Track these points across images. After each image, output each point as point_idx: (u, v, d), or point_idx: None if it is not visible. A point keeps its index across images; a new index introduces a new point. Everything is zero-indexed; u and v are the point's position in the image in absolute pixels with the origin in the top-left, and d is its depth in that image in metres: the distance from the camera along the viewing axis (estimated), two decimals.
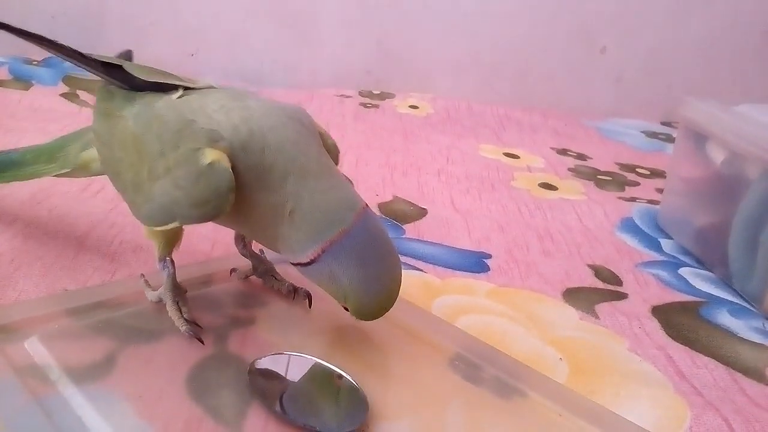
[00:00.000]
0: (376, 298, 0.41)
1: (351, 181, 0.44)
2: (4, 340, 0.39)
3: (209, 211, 0.39)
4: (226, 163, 0.39)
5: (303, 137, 0.42)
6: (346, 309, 0.42)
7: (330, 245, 0.39)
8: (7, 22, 0.46)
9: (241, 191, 0.39)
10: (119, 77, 0.45)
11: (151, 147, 0.41)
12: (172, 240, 0.44)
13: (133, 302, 0.45)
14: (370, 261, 0.40)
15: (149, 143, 0.42)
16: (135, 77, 0.45)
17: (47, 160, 0.53)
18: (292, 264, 0.42)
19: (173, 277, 0.44)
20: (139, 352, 0.41)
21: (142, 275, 0.46)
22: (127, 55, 0.51)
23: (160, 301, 0.44)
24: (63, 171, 0.51)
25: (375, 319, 0.42)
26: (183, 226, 0.43)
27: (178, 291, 0.44)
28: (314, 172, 0.41)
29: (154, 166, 0.41)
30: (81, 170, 0.51)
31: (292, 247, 0.41)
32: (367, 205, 0.42)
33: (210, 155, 0.39)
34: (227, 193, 0.39)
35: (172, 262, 0.44)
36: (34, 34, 0.46)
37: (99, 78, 0.47)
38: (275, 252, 0.43)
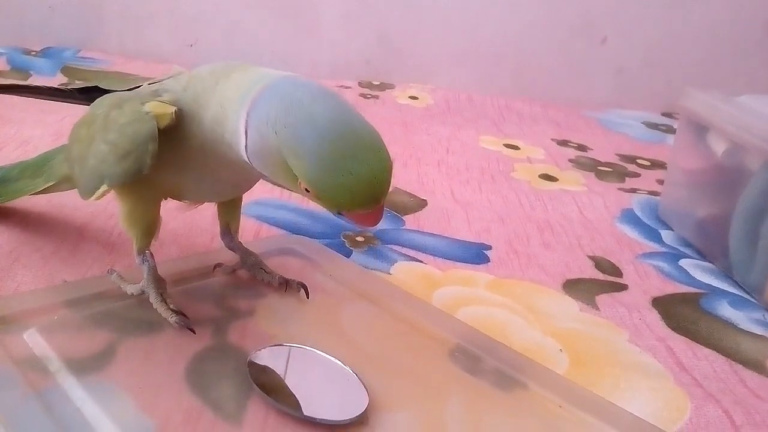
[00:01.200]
0: (340, 148, 0.33)
1: None
2: (2, 331, 0.39)
3: (132, 165, 0.38)
4: (161, 111, 0.38)
5: (246, 64, 0.40)
6: (308, 193, 0.34)
7: (251, 106, 0.35)
8: None
9: (204, 140, 0.38)
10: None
11: (97, 116, 0.41)
12: (151, 228, 0.44)
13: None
14: (310, 102, 0.34)
15: (98, 114, 0.41)
16: (113, 90, 0.45)
17: (33, 174, 0.53)
18: (249, 164, 0.37)
19: (154, 270, 0.43)
20: (138, 343, 0.40)
21: (112, 270, 0.45)
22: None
23: (142, 294, 0.44)
24: (49, 184, 0.51)
25: (366, 199, 0.34)
26: (160, 210, 0.43)
27: (160, 284, 0.43)
28: (238, 72, 0.38)
29: (93, 132, 0.41)
30: (66, 182, 0.50)
31: (234, 141, 0.36)
32: None
33: (151, 106, 0.38)
34: (146, 142, 0.37)
35: (152, 255, 0.44)
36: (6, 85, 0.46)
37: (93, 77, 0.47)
38: (239, 192, 0.42)
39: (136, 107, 0.39)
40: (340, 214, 0.36)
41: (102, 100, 0.43)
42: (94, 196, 0.41)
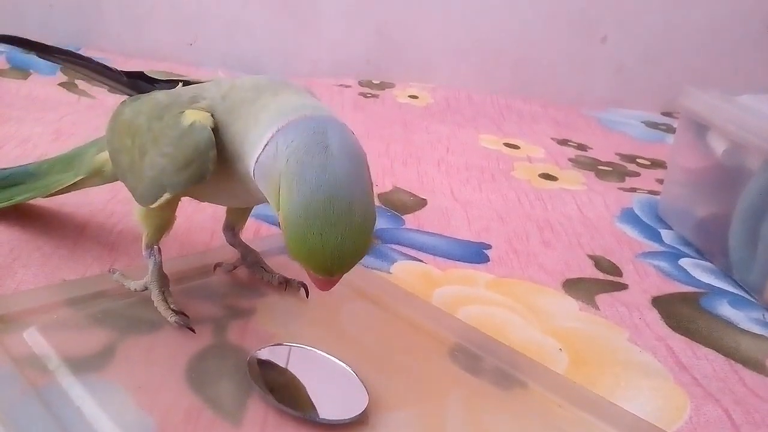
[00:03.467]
0: (325, 210, 0.32)
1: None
2: (2, 330, 0.39)
3: (194, 173, 0.38)
4: (205, 122, 0.38)
5: (279, 84, 0.40)
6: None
7: (286, 125, 0.35)
8: (29, 39, 0.45)
9: (225, 150, 0.38)
10: (142, 86, 0.45)
11: (140, 126, 0.42)
12: (162, 226, 0.44)
13: (131, 292, 0.44)
14: (332, 154, 0.33)
15: (139, 123, 0.42)
16: (157, 80, 0.45)
17: (63, 168, 0.53)
18: (252, 174, 0.36)
19: (160, 266, 0.44)
20: (138, 342, 0.40)
21: (114, 270, 0.45)
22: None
23: (145, 290, 0.44)
24: (79, 178, 0.51)
25: (320, 267, 0.33)
26: (175, 210, 0.44)
27: (164, 281, 0.43)
28: (278, 96, 0.38)
29: (142, 143, 0.41)
30: (96, 176, 0.50)
31: (247, 151, 0.36)
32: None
33: (190, 116, 0.39)
34: (207, 150, 0.38)
35: (159, 250, 0.44)
36: (59, 49, 0.46)
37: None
38: (255, 202, 0.42)
39: (177, 117, 0.39)
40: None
41: (137, 105, 0.43)
42: (156, 204, 0.41)
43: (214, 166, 0.38)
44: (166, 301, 0.43)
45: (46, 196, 0.54)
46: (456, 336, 0.45)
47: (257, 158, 0.36)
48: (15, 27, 1.21)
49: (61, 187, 0.52)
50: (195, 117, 0.39)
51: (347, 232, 0.32)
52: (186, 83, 0.45)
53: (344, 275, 0.34)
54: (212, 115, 0.39)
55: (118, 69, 0.46)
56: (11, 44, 0.44)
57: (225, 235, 0.50)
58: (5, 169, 0.57)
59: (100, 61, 0.46)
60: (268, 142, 0.35)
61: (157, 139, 0.40)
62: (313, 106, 0.38)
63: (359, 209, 0.33)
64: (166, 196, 0.40)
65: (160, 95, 0.43)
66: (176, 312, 0.42)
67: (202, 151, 0.38)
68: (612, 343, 0.50)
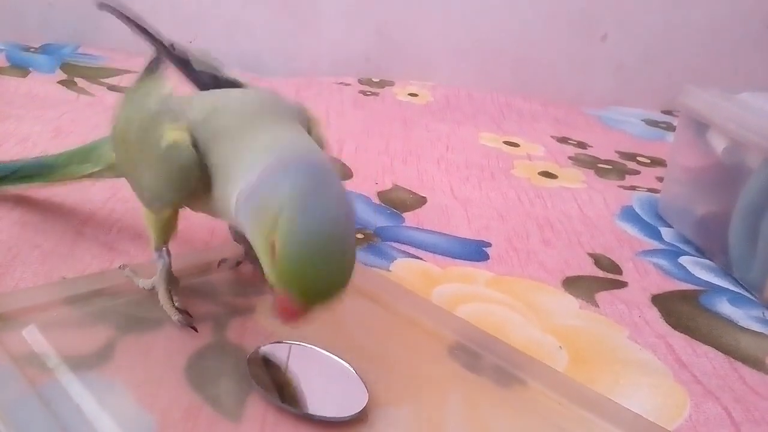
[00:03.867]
0: (327, 248, 0.33)
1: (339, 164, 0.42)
2: (1, 328, 0.39)
3: (182, 191, 0.39)
4: (184, 141, 0.38)
5: (266, 110, 0.40)
6: (272, 249, 0.33)
7: (276, 164, 0.35)
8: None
9: (206, 168, 0.38)
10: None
11: (131, 133, 0.42)
12: (168, 228, 0.44)
13: (132, 290, 0.45)
14: (318, 192, 0.34)
15: (132, 130, 0.42)
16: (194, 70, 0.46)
17: (81, 160, 0.53)
18: (234, 217, 0.37)
19: (169, 266, 0.44)
20: (138, 340, 0.40)
21: (124, 266, 0.46)
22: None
23: (153, 289, 0.44)
24: (96, 169, 0.52)
25: (303, 297, 0.33)
26: (177, 215, 0.44)
27: (172, 280, 0.44)
28: (263, 129, 0.38)
29: (135, 152, 0.42)
30: (111, 169, 0.51)
31: (228, 183, 0.37)
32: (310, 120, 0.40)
33: (169, 136, 0.39)
34: (191, 169, 0.38)
35: (168, 251, 0.44)
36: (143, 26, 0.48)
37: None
38: (232, 222, 0.42)
39: (158, 136, 0.39)
40: (272, 288, 0.35)
41: (128, 109, 0.44)
42: (162, 213, 0.42)
43: (198, 183, 0.38)
44: (172, 300, 0.43)
45: (61, 180, 0.55)
46: (455, 334, 0.45)
47: (247, 185, 0.35)
48: (14, 25, 1.21)
49: (76, 177, 0.53)
50: (173, 137, 0.38)
51: (339, 269, 0.34)
52: (217, 79, 0.45)
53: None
54: (192, 135, 0.39)
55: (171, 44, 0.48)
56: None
57: (230, 231, 0.50)
58: (18, 160, 0.57)
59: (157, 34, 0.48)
60: (265, 171, 0.35)
61: (145, 153, 0.41)
62: (306, 147, 0.37)
63: (350, 249, 0.34)
64: (169, 208, 0.41)
65: (151, 102, 0.42)
66: (180, 311, 0.42)
67: (185, 172, 0.38)
68: (612, 340, 0.50)
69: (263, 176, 0.35)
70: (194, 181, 0.38)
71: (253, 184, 0.35)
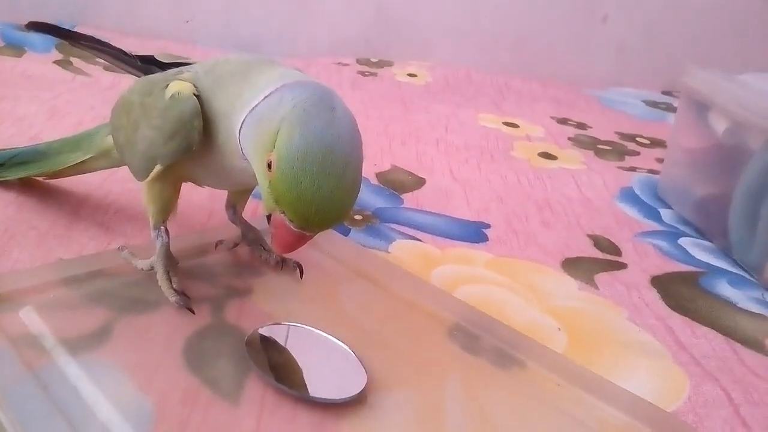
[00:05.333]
0: (327, 161, 0.32)
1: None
2: None
3: (181, 143, 0.39)
4: (187, 89, 0.39)
5: (266, 61, 0.41)
6: (269, 168, 0.34)
7: (284, 85, 0.36)
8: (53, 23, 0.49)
9: (210, 124, 0.39)
10: (154, 70, 0.46)
11: (133, 103, 0.43)
12: (167, 206, 0.44)
13: (129, 272, 0.44)
14: (335, 110, 0.34)
15: (133, 101, 0.43)
16: (166, 63, 0.46)
17: (73, 148, 0.53)
18: (241, 152, 0.37)
19: (167, 246, 0.44)
20: (135, 322, 0.40)
21: (122, 247, 0.45)
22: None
23: (151, 269, 0.44)
24: (87, 156, 0.51)
25: (303, 215, 0.33)
26: (178, 192, 0.44)
27: (170, 261, 0.44)
28: (264, 70, 0.39)
29: (135, 119, 0.42)
30: (104, 156, 0.51)
31: (233, 119, 0.37)
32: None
33: (173, 87, 0.40)
34: (192, 119, 0.39)
35: (167, 231, 0.44)
36: (82, 35, 0.49)
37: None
38: (249, 185, 0.43)
39: (162, 90, 0.40)
40: (269, 217, 0.35)
41: (134, 85, 0.44)
42: (150, 177, 0.42)
43: (200, 135, 0.39)
44: (170, 281, 0.42)
45: (54, 174, 0.55)
46: (455, 315, 0.45)
47: (252, 108, 0.36)
48: (10, 5, 1.20)
49: (69, 165, 0.53)
50: (177, 88, 0.40)
51: (338, 188, 0.32)
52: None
53: (316, 241, 0.35)
54: (195, 87, 0.40)
55: (133, 54, 0.47)
56: (42, 32, 0.49)
57: (227, 213, 0.50)
58: (14, 148, 0.57)
59: (119, 48, 0.48)
60: (270, 94, 0.36)
61: (147, 113, 0.41)
62: (310, 78, 0.38)
63: (352, 171, 0.33)
64: (158, 168, 0.41)
65: (153, 75, 0.44)
66: (178, 292, 0.42)
67: (186, 120, 0.39)
68: (611, 322, 0.50)
69: (267, 99, 0.35)
70: (196, 133, 0.39)
71: (257, 107, 0.36)
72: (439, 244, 0.58)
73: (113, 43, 0.49)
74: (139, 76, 0.46)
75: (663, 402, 0.41)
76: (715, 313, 0.53)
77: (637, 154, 0.92)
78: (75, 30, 0.50)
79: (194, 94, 0.39)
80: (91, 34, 0.49)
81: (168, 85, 0.40)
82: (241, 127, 0.37)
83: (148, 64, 0.47)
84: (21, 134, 0.70)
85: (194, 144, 0.39)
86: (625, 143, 0.97)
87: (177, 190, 0.44)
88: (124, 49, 0.48)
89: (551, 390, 0.40)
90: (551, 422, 0.38)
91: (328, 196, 0.32)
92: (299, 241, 0.34)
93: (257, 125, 0.35)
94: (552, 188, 0.75)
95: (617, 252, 0.61)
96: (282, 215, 0.33)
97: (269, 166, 0.33)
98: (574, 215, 0.68)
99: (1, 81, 0.88)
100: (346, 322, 0.43)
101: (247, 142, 0.36)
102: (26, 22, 0.49)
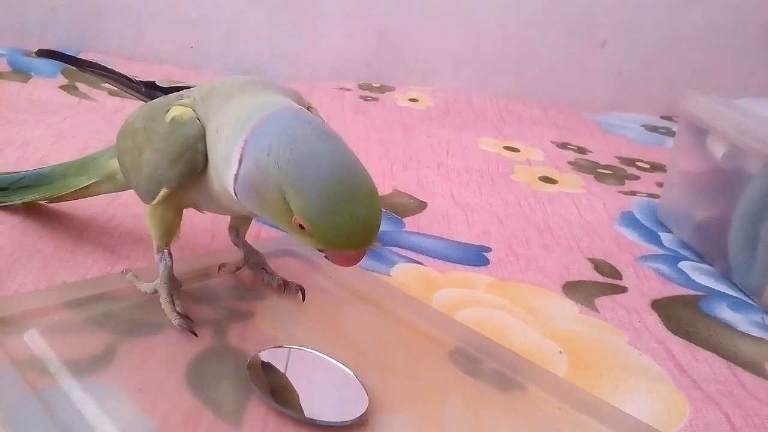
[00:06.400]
0: (343, 190, 0.33)
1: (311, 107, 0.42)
2: (3, 332, 0.39)
3: (186, 166, 0.40)
4: (188, 113, 0.40)
5: (259, 85, 0.41)
6: (302, 229, 0.34)
7: (250, 134, 0.35)
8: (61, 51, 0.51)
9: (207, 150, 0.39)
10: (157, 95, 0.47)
11: (138, 128, 0.43)
12: (170, 230, 0.44)
13: (132, 295, 0.45)
14: (315, 140, 0.34)
15: (138, 126, 0.44)
16: (169, 88, 0.47)
17: (77, 172, 0.54)
18: (234, 193, 0.37)
19: (170, 269, 0.44)
20: (138, 344, 0.40)
21: (126, 270, 0.46)
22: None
23: (155, 293, 0.44)
24: (92, 181, 0.52)
25: (359, 242, 0.34)
26: (180, 216, 0.45)
27: (174, 284, 0.44)
28: (245, 95, 0.40)
29: (140, 143, 0.43)
30: (108, 181, 0.51)
31: (222, 169, 0.37)
32: (310, 107, 0.40)
33: (173, 111, 0.41)
34: (196, 142, 0.39)
35: (170, 254, 0.44)
36: (88, 62, 0.51)
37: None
38: (234, 210, 0.43)
39: (164, 114, 0.41)
40: (322, 250, 0.36)
41: (138, 111, 0.45)
42: (156, 200, 0.42)
43: (204, 158, 0.39)
44: (173, 304, 0.43)
45: (58, 198, 0.55)
46: (456, 339, 0.45)
47: (235, 176, 0.36)
48: (16, 30, 1.21)
49: (73, 190, 0.53)
50: (178, 112, 0.40)
51: (368, 201, 0.34)
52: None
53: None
54: (195, 111, 0.40)
55: (138, 80, 0.49)
56: (50, 58, 0.51)
57: (230, 236, 0.50)
58: (19, 172, 0.58)
59: (123, 74, 0.49)
60: (241, 158, 0.36)
61: (150, 137, 0.42)
62: (267, 103, 0.38)
63: (362, 174, 0.35)
64: (164, 191, 0.41)
65: (155, 100, 0.45)
66: (181, 315, 0.42)
67: (191, 144, 0.39)
68: (612, 346, 0.50)
69: (244, 155, 0.35)
70: (200, 156, 0.39)
71: (240, 171, 0.35)
72: (441, 268, 0.59)
73: (118, 69, 0.50)
74: (144, 101, 0.47)
75: (664, 425, 0.41)
76: (715, 336, 0.53)
77: (637, 178, 0.93)
78: (80, 56, 0.51)
79: (196, 119, 0.40)
80: (96, 61, 0.50)
81: (169, 109, 0.41)
82: (235, 192, 0.37)
83: (150, 89, 0.48)
84: (26, 158, 0.70)
85: (199, 166, 0.39)
86: (625, 167, 0.97)
87: (179, 215, 0.45)
88: (128, 75, 0.49)
89: (552, 413, 0.40)
90: None
91: (368, 214, 0.34)
92: (362, 256, 0.36)
93: (258, 195, 0.36)
94: (552, 212, 0.75)
95: (618, 276, 0.62)
96: (336, 250, 0.35)
97: (301, 227, 0.34)
98: (575, 239, 0.69)
99: (7, 105, 0.89)
100: (348, 345, 0.43)
101: (253, 207, 0.37)
102: (34, 50, 0.51)
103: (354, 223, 0.33)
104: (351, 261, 0.36)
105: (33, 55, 1.12)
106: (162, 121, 0.41)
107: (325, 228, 0.34)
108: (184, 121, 0.40)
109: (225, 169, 0.37)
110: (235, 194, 0.37)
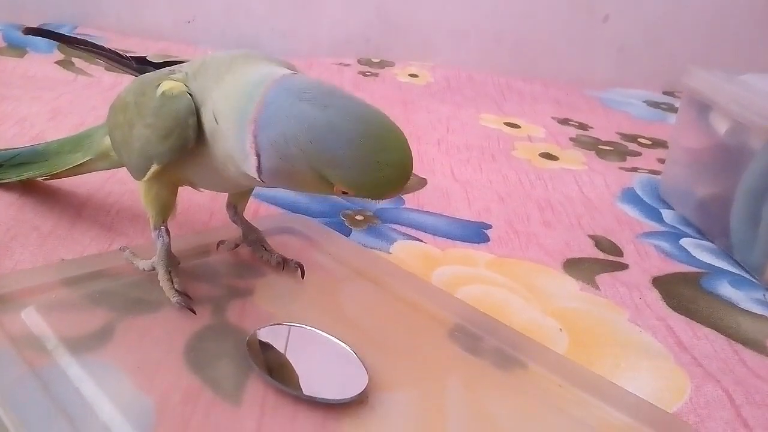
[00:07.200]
0: (371, 145, 0.34)
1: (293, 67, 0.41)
2: (0, 310, 0.39)
3: (176, 142, 0.39)
4: (179, 87, 0.39)
5: (252, 56, 0.40)
6: (346, 194, 0.35)
7: (255, 127, 0.36)
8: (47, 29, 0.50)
9: (201, 124, 0.39)
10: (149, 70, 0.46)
11: (128, 102, 0.43)
12: (166, 207, 0.44)
13: (130, 272, 0.44)
14: (322, 110, 0.34)
15: (128, 100, 0.43)
16: (160, 63, 0.46)
17: (72, 149, 0.53)
18: (260, 181, 0.38)
19: (168, 246, 0.44)
20: (136, 322, 0.40)
21: (124, 248, 0.45)
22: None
23: (152, 270, 0.44)
24: (87, 158, 0.51)
25: (401, 182, 0.35)
26: (175, 193, 0.44)
27: (172, 261, 0.44)
28: (232, 72, 0.39)
29: (131, 118, 0.42)
30: (103, 158, 0.51)
31: (238, 159, 0.37)
32: (294, 71, 0.39)
33: (164, 85, 0.40)
34: (187, 117, 0.39)
35: (167, 231, 0.44)
36: (77, 39, 0.50)
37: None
38: (246, 188, 0.43)
39: (155, 89, 0.40)
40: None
41: (129, 85, 0.45)
42: (147, 176, 0.42)
43: (195, 133, 0.39)
44: (171, 281, 0.42)
45: (53, 176, 0.54)
46: (456, 316, 0.45)
47: (257, 168, 0.36)
48: (11, 5, 1.20)
49: (68, 167, 0.52)
50: (169, 86, 0.40)
51: (395, 142, 0.35)
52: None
53: None
54: (187, 86, 0.40)
55: (128, 55, 0.48)
56: (39, 36, 0.50)
57: (228, 213, 0.50)
58: (14, 148, 0.57)
59: (114, 50, 0.48)
60: (258, 151, 0.36)
61: (141, 112, 0.41)
62: (257, 82, 0.37)
63: (378, 119, 0.35)
64: (154, 167, 0.41)
65: (146, 74, 0.44)
66: (179, 292, 0.42)
67: (181, 119, 0.39)
68: (612, 323, 0.50)
69: (259, 145, 0.35)
70: (191, 131, 0.39)
71: (255, 140, 0.35)
72: (440, 245, 0.58)
73: (115, 45, 0.49)
74: (136, 76, 0.46)
75: (664, 403, 0.41)
76: (716, 313, 0.53)
77: (639, 154, 0.92)
78: (76, 31, 0.51)
79: (188, 93, 0.39)
80: (90, 36, 0.49)
81: (160, 84, 0.41)
82: (258, 165, 0.36)
83: (142, 65, 0.47)
84: (23, 134, 0.70)
85: (190, 142, 0.39)
86: (627, 144, 0.97)
87: (174, 192, 0.44)
88: (119, 51, 0.48)
89: (552, 391, 0.40)
90: (552, 423, 0.38)
91: (405, 156, 0.35)
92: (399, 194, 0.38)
93: (287, 179, 0.36)
94: (553, 189, 0.75)
95: (618, 252, 0.61)
96: (381, 197, 0.36)
97: (344, 192, 0.35)
98: (576, 216, 0.68)
99: (2, 81, 0.89)
100: (348, 323, 0.43)
101: (288, 187, 0.38)
102: (30, 25, 0.50)
103: (394, 168, 0.34)
104: (394, 195, 0.37)
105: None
106: (153, 95, 0.40)
107: (370, 185, 0.35)
108: (175, 95, 0.39)
109: (242, 161, 0.37)
110: (262, 181, 0.37)
